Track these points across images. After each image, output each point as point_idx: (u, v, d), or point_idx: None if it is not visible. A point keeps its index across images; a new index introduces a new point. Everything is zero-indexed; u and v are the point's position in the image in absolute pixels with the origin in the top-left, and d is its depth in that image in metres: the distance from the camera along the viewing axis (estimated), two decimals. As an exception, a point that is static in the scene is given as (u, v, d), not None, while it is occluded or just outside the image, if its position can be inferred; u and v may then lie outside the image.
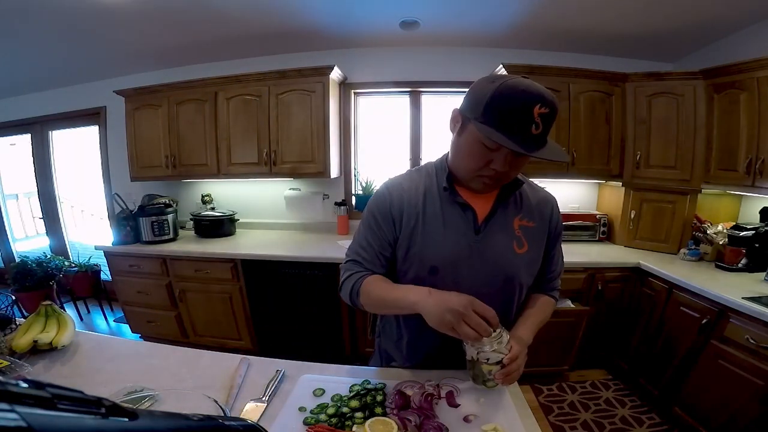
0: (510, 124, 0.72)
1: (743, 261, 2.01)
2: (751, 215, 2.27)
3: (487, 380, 0.80)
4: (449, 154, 0.92)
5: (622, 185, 2.57)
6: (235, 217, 2.98)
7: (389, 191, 0.94)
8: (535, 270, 0.97)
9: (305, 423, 0.76)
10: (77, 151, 3.74)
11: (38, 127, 3.70)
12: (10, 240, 4.26)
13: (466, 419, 0.78)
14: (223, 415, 0.53)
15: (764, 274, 1.89)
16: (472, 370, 0.81)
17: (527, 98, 0.71)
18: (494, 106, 0.73)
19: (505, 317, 0.96)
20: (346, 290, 0.93)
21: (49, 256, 3.14)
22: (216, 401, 0.58)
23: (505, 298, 0.93)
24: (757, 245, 1.98)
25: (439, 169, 0.94)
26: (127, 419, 0.24)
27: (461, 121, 0.83)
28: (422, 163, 1.08)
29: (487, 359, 0.77)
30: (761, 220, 2.06)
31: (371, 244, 0.93)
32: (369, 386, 0.86)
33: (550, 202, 0.99)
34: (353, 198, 3.05)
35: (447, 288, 0.88)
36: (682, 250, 2.29)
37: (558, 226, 0.99)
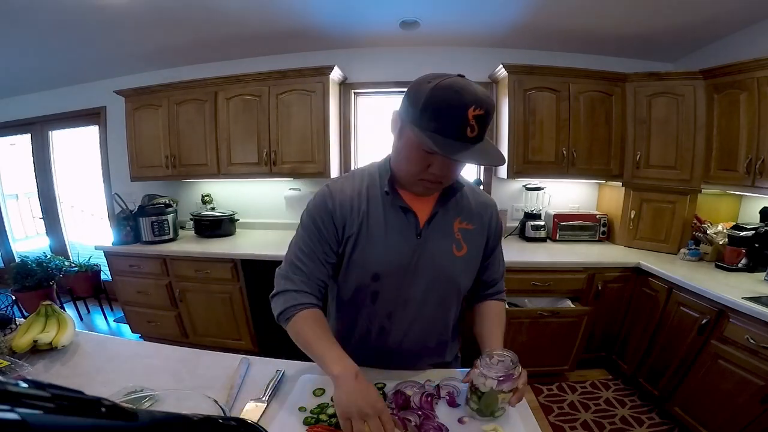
0: (445, 127, 0.70)
1: (743, 261, 2.01)
2: (751, 215, 2.27)
3: (497, 410, 0.77)
4: (391, 158, 0.89)
5: (622, 185, 2.57)
6: (235, 217, 2.98)
7: (331, 195, 0.89)
8: (473, 272, 0.97)
9: (305, 423, 0.76)
10: (77, 151, 3.74)
11: (38, 127, 3.70)
12: (10, 240, 4.26)
13: (460, 421, 0.78)
14: (223, 415, 0.53)
15: (764, 274, 1.89)
16: (477, 404, 0.78)
17: (461, 100, 0.69)
18: (429, 110, 0.71)
19: (444, 319, 0.97)
20: (276, 307, 0.88)
21: (49, 256, 3.14)
22: (216, 401, 0.58)
23: (445, 300, 0.94)
24: (757, 245, 1.98)
25: (383, 171, 0.91)
26: (127, 419, 0.24)
27: (400, 123, 0.81)
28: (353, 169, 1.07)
29: (506, 387, 0.75)
30: (761, 220, 2.06)
31: (313, 251, 0.88)
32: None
33: (489, 206, 0.98)
34: (353, 198, 3.05)
35: (387, 294, 0.89)
36: (682, 250, 2.29)
37: (497, 230, 0.99)
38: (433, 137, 0.71)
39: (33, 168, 3.84)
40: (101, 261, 2.99)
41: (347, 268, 0.90)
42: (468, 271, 0.94)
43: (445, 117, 0.70)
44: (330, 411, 0.78)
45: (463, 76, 0.74)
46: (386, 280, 0.88)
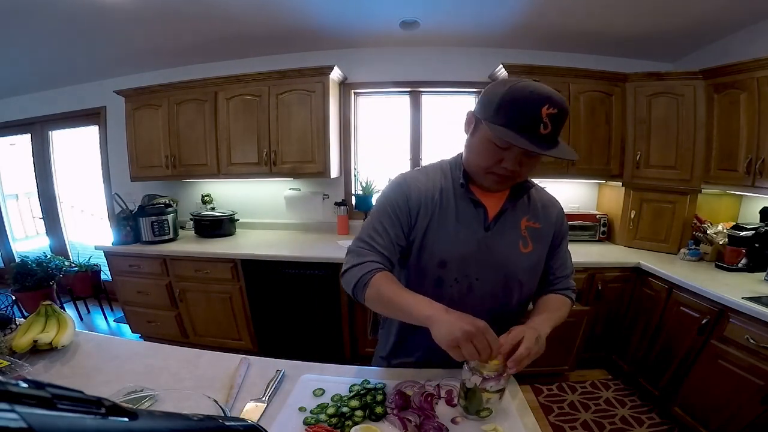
0: (519, 124, 0.75)
1: (743, 261, 2.01)
2: (751, 215, 2.27)
3: (482, 409, 0.77)
4: (463, 154, 0.94)
5: (622, 185, 2.57)
6: (235, 217, 2.98)
7: (407, 183, 0.94)
8: (538, 271, 0.98)
9: (305, 423, 0.76)
10: (77, 151, 3.74)
11: (38, 127, 3.70)
12: (10, 240, 4.26)
13: (453, 421, 0.77)
14: (223, 415, 0.53)
15: (764, 274, 1.89)
16: (465, 401, 0.78)
17: (535, 99, 0.74)
18: (504, 107, 0.76)
19: (504, 313, 0.97)
20: (352, 278, 0.87)
21: (49, 256, 3.14)
22: (216, 401, 0.58)
23: (506, 294, 0.95)
24: (757, 245, 1.98)
25: (454, 167, 0.97)
26: (127, 419, 0.24)
27: (474, 122, 0.86)
28: (422, 163, 1.09)
29: (490, 386, 0.74)
30: (761, 220, 2.06)
31: (387, 231, 0.91)
32: (369, 386, 0.86)
33: (555, 205, 1.02)
34: (353, 198, 3.05)
35: (451, 281, 0.91)
36: (682, 250, 2.29)
37: (563, 228, 1.02)
38: (507, 133, 0.75)
39: (33, 168, 3.84)
40: (101, 261, 2.99)
41: (417, 253, 0.93)
42: (532, 268, 0.96)
43: (520, 114, 0.75)
44: (330, 411, 0.78)
45: (537, 81, 0.79)
46: (452, 267, 0.91)
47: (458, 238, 0.90)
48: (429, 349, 0.91)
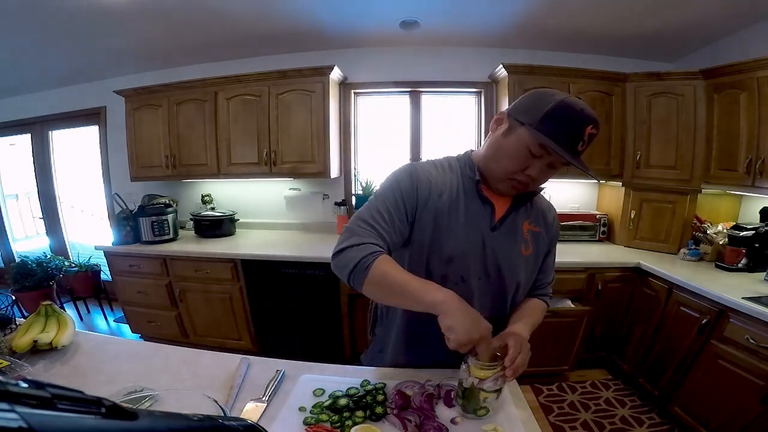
0: (562, 136, 0.77)
1: (743, 261, 2.01)
2: (751, 215, 2.27)
3: (479, 408, 0.77)
4: (482, 153, 0.93)
5: (622, 185, 2.57)
6: (235, 217, 2.98)
7: (417, 173, 0.91)
8: (534, 274, 1.01)
9: (305, 423, 0.76)
10: (77, 151, 3.74)
11: (38, 127, 3.70)
12: (10, 240, 4.26)
13: (453, 421, 0.77)
14: (223, 415, 0.53)
15: (764, 274, 1.89)
16: (463, 399, 0.78)
17: (584, 117, 0.77)
18: (553, 118, 0.78)
19: (500, 314, 0.98)
20: (349, 260, 0.80)
21: (49, 256, 3.14)
22: (216, 401, 0.58)
23: (503, 295, 0.96)
24: (757, 245, 1.98)
25: (464, 164, 0.96)
26: (127, 419, 0.24)
27: (509, 123, 0.86)
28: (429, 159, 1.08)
29: (487, 386, 0.75)
30: (761, 220, 2.06)
31: (392, 215, 0.85)
32: (369, 386, 0.86)
33: (552, 210, 1.04)
34: (353, 198, 3.05)
35: (456, 279, 0.91)
36: (682, 250, 2.29)
37: (556, 234, 1.04)
38: (552, 143, 0.77)
39: (33, 168, 3.84)
40: (101, 261, 2.99)
41: (426, 249, 0.90)
42: (530, 270, 0.98)
43: (566, 128, 0.77)
44: (327, 403, 0.78)
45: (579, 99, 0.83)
46: (457, 264, 0.90)
47: (467, 235, 0.90)
48: (434, 346, 0.90)
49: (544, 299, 1.06)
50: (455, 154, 1.01)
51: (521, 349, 0.78)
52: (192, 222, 2.93)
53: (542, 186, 0.94)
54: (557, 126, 0.77)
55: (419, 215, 0.89)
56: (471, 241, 0.90)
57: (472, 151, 0.99)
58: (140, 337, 2.85)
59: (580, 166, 0.78)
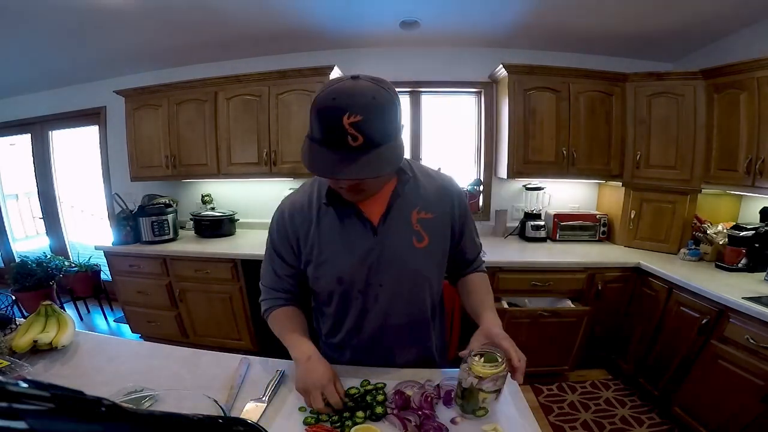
0: (327, 138, 0.68)
1: (743, 261, 2.01)
2: (751, 215, 2.27)
3: (478, 408, 0.77)
4: None
5: (622, 185, 2.57)
6: (235, 217, 2.98)
7: (283, 213, 0.94)
8: (441, 261, 0.96)
9: (305, 423, 0.76)
10: (77, 151, 3.74)
11: (38, 127, 3.70)
12: (10, 240, 4.26)
13: (453, 421, 0.77)
14: (223, 415, 0.53)
15: (764, 274, 1.88)
16: (462, 399, 0.78)
17: (334, 111, 0.66)
18: (313, 120, 0.70)
19: (419, 313, 0.97)
20: (262, 310, 1.01)
21: (49, 256, 3.14)
22: (216, 401, 0.58)
23: (416, 293, 0.94)
24: (757, 245, 1.97)
25: (323, 183, 0.90)
26: (127, 419, 0.24)
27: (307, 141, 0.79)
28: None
29: (486, 387, 0.75)
30: (761, 220, 2.05)
31: (275, 271, 0.97)
32: (369, 386, 0.86)
33: (449, 189, 0.95)
34: (353, 198, 3.05)
35: (355, 294, 0.91)
36: (682, 250, 2.28)
37: (463, 210, 0.97)
38: (320, 152, 0.69)
39: (33, 168, 3.84)
40: (101, 261, 2.99)
41: (313, 274, 0.93)
42: (433, 261, 0.94)
43: (325, 127, 0.67)
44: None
45: (357, 77, 0.69)
46: (351, 281, 0.90)
47: (345, 251, 0.88)
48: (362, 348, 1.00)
49: (481, 269, 1.06)
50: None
51: (517, 348, 0.78)
52: (192, 222, 2.93)
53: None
54: (319, 129, 0.69)
55: (300, 250, 0.93)
56: (353, 255, 0.88)
57: None
58: (140, 337, 2.85)
59: (338, 176, 0.68)
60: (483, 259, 1.09)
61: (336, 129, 0.66)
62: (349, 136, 0.66)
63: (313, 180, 0.95)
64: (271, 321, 0.98)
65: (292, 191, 1.01)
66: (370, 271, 0.89)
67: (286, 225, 0.92)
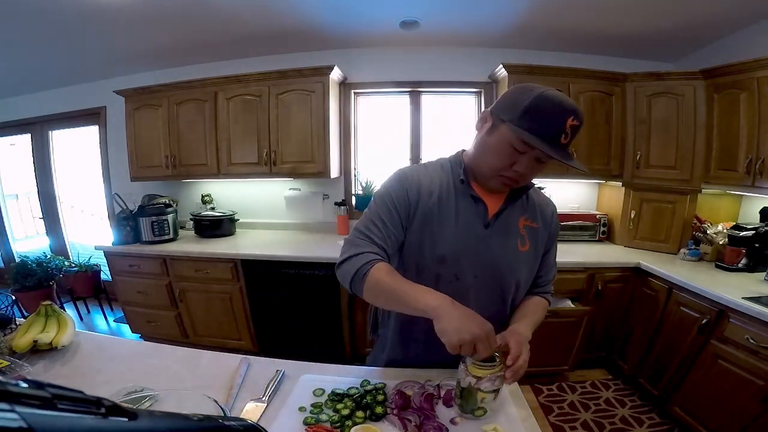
0: (543, 130, 0.77)
1: (743, 261, 2.01)
2: (751, 215, 2.27)
3: (477, 408, 0.77)
4: (471, 152, 0.94)
5: (622, 185, 2.57)
6: (235, 217, 2.98)
7: (407, 177, 0.94)
8: (534, 270, 0.99)
9: (305, 423, 0.76)
10: (77, 151, 3.74)
11: (38, 127, 3.70)
12: (10, 240, 4.26)
13: (453, 421, 0.77)
14: (223, 415, 0.53)
15: (764, 274, 1.89)
16: (461, 399, 0.78)
17: (563, 110, 0.76)
18: (532, 113, 0.77)
19: (500, 312, 0.97)
20: (349, 270, 0.85)
21: (49, 256, 3.14)
22: (216, 401, 0.58)
23: (503, 293, 0.95)
24: (757, 245, 1.98)
25: (455, 164, 0.97)
26: (127, 419, 0.24)
27: (492, 121, 0.86)
28: (423, 161, 1.08)
29: (485, 386, 0.75)
30: (761, 220, 2.06)
31: (385, 223, 0.90)
32: (369, 386, 0.86)
33: (550, 206, 1.02)
34: (353, 198, 3.05)
35: (450, 278, 0.90)
36: (682, 250, 2.29)
37: (556, 230, 1.03)
38: (533, 138, 0.77)
39: (33, 168, 3.84)
40: (101, 261, 2.99)
41: (416, 249, 0.92)
42: (529, 267, 0.97)
43: (546, 122, 0.77)
44: (329, 410, 0.78)
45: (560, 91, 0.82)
46: (450, 263, 0.90)
47: (458, 234, 0.90)
48: (427, 342, 0.92)
49: (545, 296, 1.05)
50: (449, 154, 1.02)
51: (522, 350, 0.78)
52: (192, 222, 2.93)
53: (534, 181, 0.94)
54: (537, 120, 0.77)
55: (413, 217, 0.91)
56: (463, 239, 0.90)
57: (463, 150, 1.00)
58: (140, 337, 2.85)
59: (563, 159, 0.77)
60: (551, 289, 1.07)
61: (558, 126, 0.76)
62: (563, 134, 0.77)
63: (430, 162, 1.00)
64: (372, 277, 0.82)
65: (409, 167, 1.00)
66: (472, 260, 0.90)
67: (410, 188, 0.92)
